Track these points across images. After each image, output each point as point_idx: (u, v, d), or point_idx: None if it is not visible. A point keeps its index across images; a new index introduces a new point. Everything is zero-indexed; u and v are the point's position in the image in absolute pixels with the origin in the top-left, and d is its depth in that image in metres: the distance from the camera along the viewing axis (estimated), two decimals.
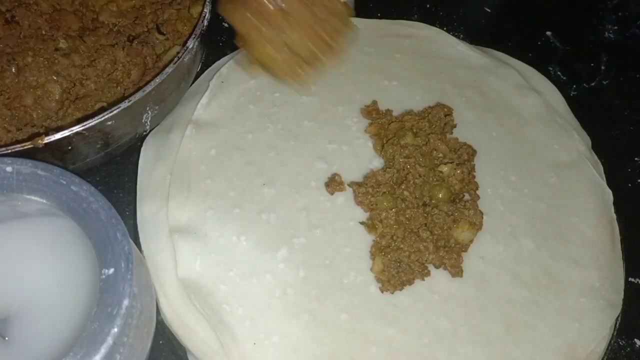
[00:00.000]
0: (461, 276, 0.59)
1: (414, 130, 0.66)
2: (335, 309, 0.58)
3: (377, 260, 0.59)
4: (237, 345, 0.56)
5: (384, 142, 0.66)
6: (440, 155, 0.65)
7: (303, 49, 0.58)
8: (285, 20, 0.57)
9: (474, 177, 0.65)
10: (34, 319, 0.48)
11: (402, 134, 0.66)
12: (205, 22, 0.66)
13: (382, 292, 0.59)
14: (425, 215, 0.61)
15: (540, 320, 0.59)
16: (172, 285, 0.58)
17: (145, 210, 0.62)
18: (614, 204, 0.67)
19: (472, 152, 0.67)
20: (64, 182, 0.46)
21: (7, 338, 0.49)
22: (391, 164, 0.64)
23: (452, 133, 0.68)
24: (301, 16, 0.57)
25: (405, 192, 0.62)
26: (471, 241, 0.61)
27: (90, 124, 0.57)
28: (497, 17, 0.85)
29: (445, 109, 0.68)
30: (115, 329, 0.41)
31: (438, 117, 0.67)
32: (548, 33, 0.85)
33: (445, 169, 0.64)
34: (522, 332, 0.58)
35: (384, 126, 0.67)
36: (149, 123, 0.65)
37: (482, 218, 0.61)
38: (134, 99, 0.59)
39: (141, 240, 0.61)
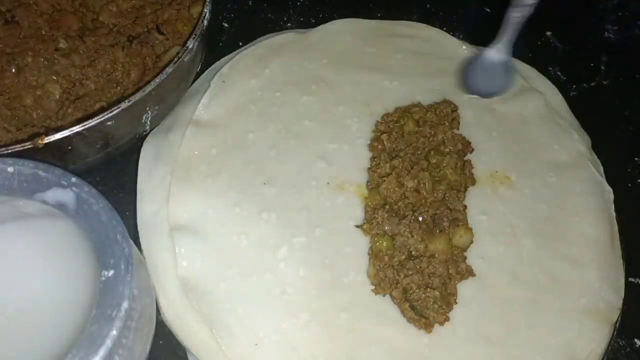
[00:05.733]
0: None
1: (418, 119, 0.67)
2: (335, 308, 0.58)
3: (370, 264, 0.60)
4: (237, 345, 0.56)
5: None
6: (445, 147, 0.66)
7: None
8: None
9: (472, 173, 0.66)
10: (33, 320, 0.48)
11: (404, 122, 0.66)
12: (205, 22, 0.66)
13: (375, 294, 0.59)
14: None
15: (540, 320, 0.59)
16: (172, 286, 0.58)
17: (145, 210, 0.62)
18: (614, 203, 0.67)
19: (467, 144, 0.67)
20: (65, 183, 0.46)
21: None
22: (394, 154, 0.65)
23: (458, 129, 0.68)
24: None
25: (411, 183, 0.62)
26: (471, 242, 0.61)
27: (90, 124, 0.57)
28: (497, 17, 0.84)
29: (452, 105, 0.69)
30: (114, 332, 0.41)
31: (445, 112, 0.68)
32: (548, 33, 0.85)
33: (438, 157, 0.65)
34: (522, 332, 0.59)
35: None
36: (149, 123, 0.65)
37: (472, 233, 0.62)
38: (133, 99, 0.59)
39: (141, 240, 0.61)
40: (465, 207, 0.63)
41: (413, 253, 0.60)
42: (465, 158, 0.67)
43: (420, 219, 0.61)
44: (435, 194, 0.62)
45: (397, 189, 0.62)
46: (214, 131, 0.67)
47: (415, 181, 0.62)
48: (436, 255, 0.59)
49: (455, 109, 0.69)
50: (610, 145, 0.74)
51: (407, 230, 0.60)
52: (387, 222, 0.60)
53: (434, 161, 0.64)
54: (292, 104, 0.70)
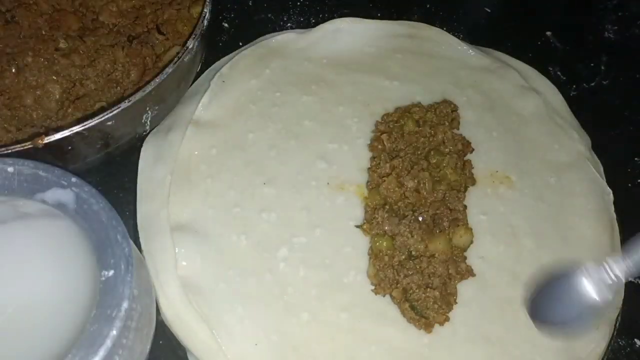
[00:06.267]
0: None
1: (418, 119, 0.67)
2: (335, 308, 0.58)
3: (370, 264, 0.60)
4: (237, 345, 0.56)
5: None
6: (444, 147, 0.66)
7: None
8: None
9: (472, 173, 0.66)
10: (33, 320, 0.48)
11: (404, 122, 0.66)
12: (205, 22, 0.66)
13: (375, 294, 0.59)
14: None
15: None
16: (172, 285, 0.58)
17: (145, 210, 0.62)
18: (614, 203, 0.67)
19: (467, 144, 0.67)
20: (65, 183, 0.46)
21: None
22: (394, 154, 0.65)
23: (458, 129, 0.68)
24: None
25: (411, 183, 0.62)
26: (471, 242, 0.61)
27: (90, 124, 0.57)
28: (497, 17, 0.85)
29: (452, 105, 0.69)
30: (114, 332, 0.41)
31: (445, 112, 0.68)
32: (548, 33, 0.85)
33: (438, 157, 0.65)
34: (522, 332, 0.59)
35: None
36: (149, 123, 0.65)
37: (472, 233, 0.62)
38: (133, 99, 0.59)
39: (141, 240, 0.61)
40: (465, 207, 0.63)
41: (413, 253, 0.60)
42: (465, 158, 0.67)
43: (420, 219, 0.61)
44: (435, 194, 0.62)
45: (397, 189, 0.62)
46: (214, 131, 0.67)
47: (415, 181, 0.62)
48: (436, 255, 0.59)
49: (455, 109, 0.69)
50: (610, 145, 0.74)
51: (407, 230, 0.59)
52: (387, 222, 0.60)
53: (434, 161, 0.64)
54: (292, 104, 0.70)
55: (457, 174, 0.64)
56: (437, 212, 0.61)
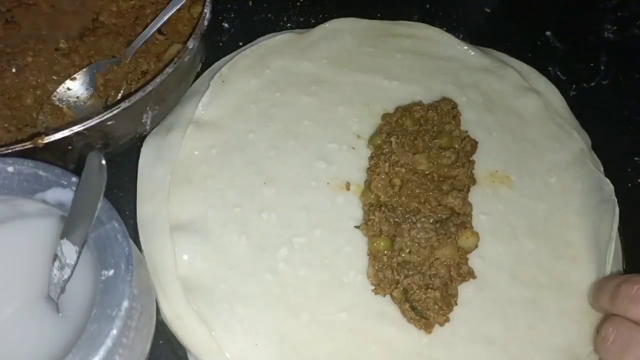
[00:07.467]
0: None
1: (419, 118, 0.67)
2: (335, 308, 0.58)
3: (370, 264, 0.60)
4: (237, 345, 0.56)
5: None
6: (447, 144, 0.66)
7: None
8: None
9: (472, 173, 0.66)
10: (33, 319, 0.48)
11: (404, 121, 0.67)
12: (205, 22, 0.66)
13: (376, 294, 0.59)
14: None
15: (540, 320, 0.59)
16: (172, 285, 0.58)
17: (145, 210, 0.62)
18: None
19: (474, 143, 0.67)
20: (65, 183, 0.46)
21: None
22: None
23: (459, 126, 0.68)
24: None
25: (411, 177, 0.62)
26: (476, 246, 0.61)
27: (90, 124, 0.57)
28: (497, 17, 0.85)
29: (452, 103, 0.69)
30: (114, 331, 0.41)
31: (447, 110, 0.68)
32: (548, 33, 0.85)
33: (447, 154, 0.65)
34: (522, 332, 0.59)
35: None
36: (149, 123, 0.65)
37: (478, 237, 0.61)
38: (134, 99, 0.59)
39: (141, 240, 0.61)
40: (471, 208, 0.63)
41: (417, 257, 0.59)
42: None
43: (423, 219, 0.61)
44: (437, 196, 0.62)
45: (388, 188, 0.62)
46: (214, 131, 0.67)
47: (404, 179, 0.62)
48: (440, 258, 0.59)
49: (455, 106, 0.69)
50: (610, 145, 0.74)
51: (408, 233, 0.59)
52: (384, 223, 0.60)
53: (443, 141, 0.65)
54: (292, 104, 0.70)
55: (461, 168, 0.64)
56: (443, 215, 0.61)
